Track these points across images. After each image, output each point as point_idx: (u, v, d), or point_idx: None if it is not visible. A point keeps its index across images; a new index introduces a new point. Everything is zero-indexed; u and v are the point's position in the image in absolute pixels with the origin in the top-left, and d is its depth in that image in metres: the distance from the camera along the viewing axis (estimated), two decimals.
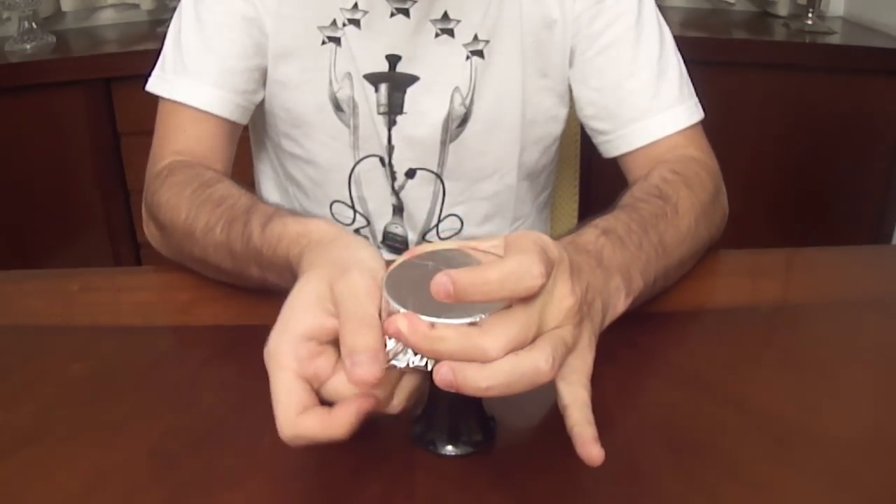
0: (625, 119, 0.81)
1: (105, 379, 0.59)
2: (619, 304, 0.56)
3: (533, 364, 0.43)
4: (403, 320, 0.43)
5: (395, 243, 0.92)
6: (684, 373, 0.60)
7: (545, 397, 0.56)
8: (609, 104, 0.82)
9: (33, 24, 1.70)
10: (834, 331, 0.66)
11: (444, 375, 0.42)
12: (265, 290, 0.63)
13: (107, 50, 1.75)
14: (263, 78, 0.84)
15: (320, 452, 0.51)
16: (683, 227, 0.67)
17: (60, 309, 0.68)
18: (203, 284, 0.68)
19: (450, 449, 0.50)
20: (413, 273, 0.46)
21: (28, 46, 1.68)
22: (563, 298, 0.46)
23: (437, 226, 0.91)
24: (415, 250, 0.49)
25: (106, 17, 1.91)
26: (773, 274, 0.76)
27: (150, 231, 0.78)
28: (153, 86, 0.82)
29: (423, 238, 0.92)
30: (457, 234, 0.92)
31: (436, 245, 0.49)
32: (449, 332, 0.42)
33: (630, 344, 0.61)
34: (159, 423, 0.53)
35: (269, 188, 0.98)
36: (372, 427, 0.53)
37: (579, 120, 0.89)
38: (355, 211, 0.91)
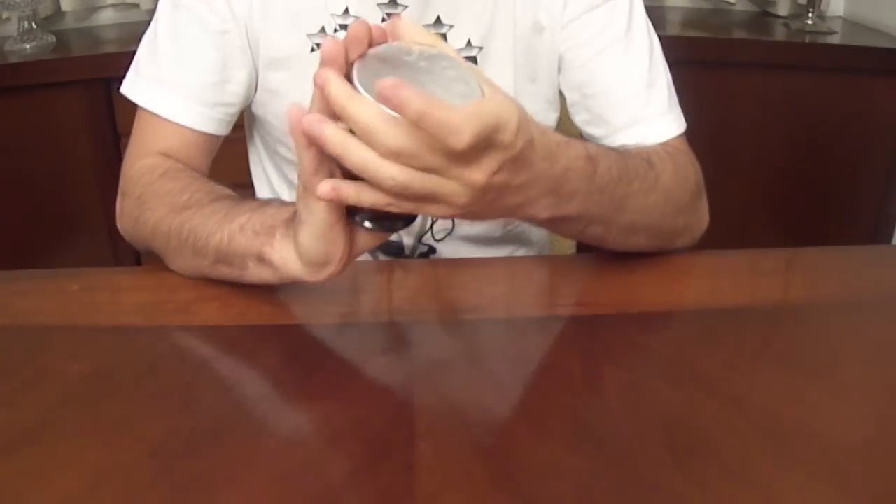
0: (617, 126, 0.81)
1: (105, 379, 0.59)
2: (540, 215, 0.59)
3: (382, 174, 0.48)
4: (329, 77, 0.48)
5: (390, 248, 0.92)
6: (684, 373, 0.60)
7: (546, 398, 0.56)
8: (602, 112, 0.82)
9: (33, 24, 1.70)
10: (834, 331, 0.66)
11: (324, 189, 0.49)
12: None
13: (107, 50, 1.74)
14: (243, 89, 0.83)
15: (320, 452, 0.52)
16: (652, 199, 0.69)
17: (60, 309, 0.68)
18: (203, 284, 0.68)
19: (368, 224, 0.54)
20: (389, 62, 0.50)
21: (28, 46, 1.68)
22: (476, 171, 0.49)
23: (431, 227, 0.91)
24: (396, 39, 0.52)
25: (106, 17, 1.91)
26: (773, 274, 0.76)
27: (125, 223, 0.77)
28: (129, 90, 0.81)
29: (418, 241, 0.92)
30: (449, 234, 0.92)
31: (420, 42, 0.51)
32: (366, 106, 0.47)
33: (630, 344, 0.61)
34: (159, 423, 0.53)
35: (264, 194, 0.98)
36: (372, 427, 0.53)
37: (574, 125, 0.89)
38: None
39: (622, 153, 0.68)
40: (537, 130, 0.54)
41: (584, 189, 0.61)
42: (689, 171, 0.76)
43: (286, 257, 0.59)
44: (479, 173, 0.49)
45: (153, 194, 0.73)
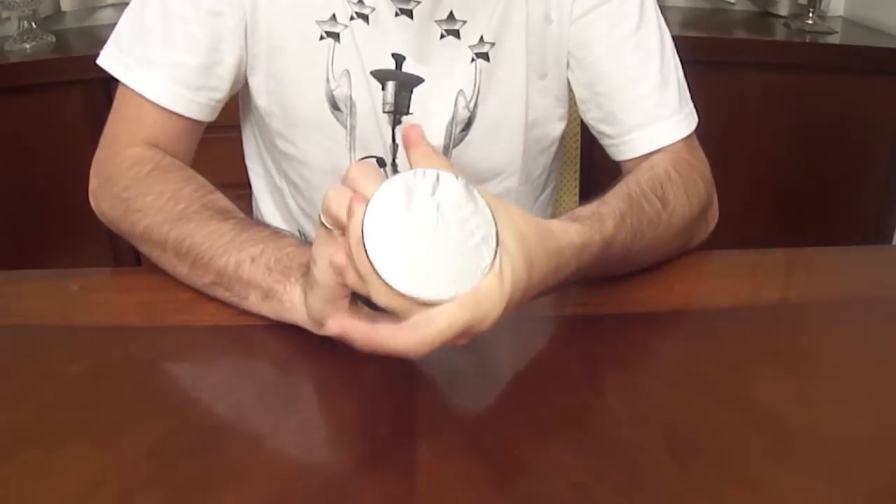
0: (629, 126, 0.81)
1: (105, 379, 0.59)
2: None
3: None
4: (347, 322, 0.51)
5: None
6: (685, 373, 0.60)
7: (546, 398, 0.56)
8: (614, 110, 0.81)
9: (33, 23, 1.70)
10: (834, 331, 0.66)
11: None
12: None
13: None
14: (230, 75, 0.81)
15: (320, 452, 0.52)
16: (662, 239, 0.70)
17: (60, 309, 0.68)
18: None
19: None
20: (409, 200, 0.47)
21: (28, 46, 1.68)
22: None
23: None
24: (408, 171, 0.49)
25: (106, 16, 1.92)
26: (773, 274, 0.76)
27: (104, 207, 0.77)
28: (111, 66, 0.79)
29: None
30: None
31: (439, 167, 0.49)
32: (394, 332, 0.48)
33: (630, 344, 0.61)
34: (159, 423, 0.53)
35: (260, 187, 0.97)
36: (372, 427, 0.53)
37: (580, 119, 0.89)
38: None
39: (639, 205, 0.68)
40: (542, 265, 0.53)
41: (592, 270, 0.62)
42: (699, 184, 0.77)
43: (296, 303, 0.60)
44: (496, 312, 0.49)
45: (141, 193, 0.72)
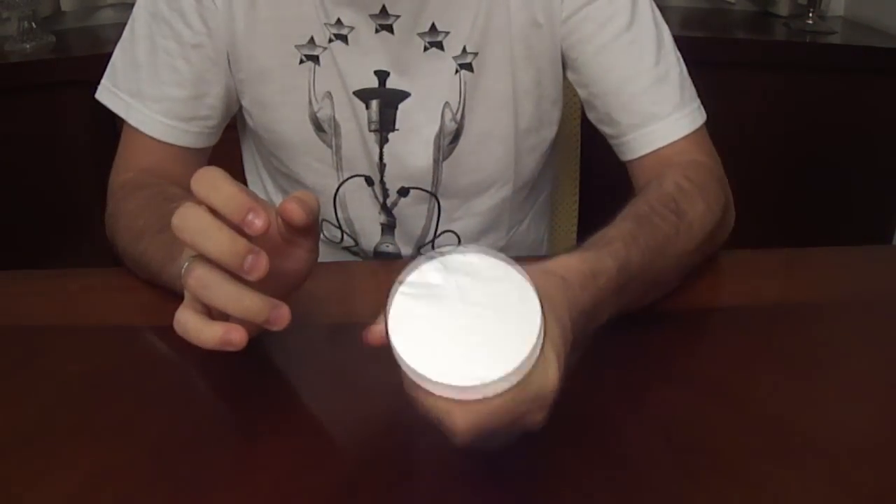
0: (626, 126, 0.79)
1: (105, 379, 0.59)
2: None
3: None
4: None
5: (388, 259, 0.91)
6: (684, 373, 0.60)
7: None
8: (610, 111, 0.80)
9: (33, 23, 1.70)
10: (834, 331, 0.66)
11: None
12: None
13: (107, 50, 1.72)
14: (220, 103, 0.82)
15: (320, 452, 0.52)
16: (686, 250, 0.66)
17: (60, 309, 0.68)
18: None
19: None
20: (429, 297, 0.42)
21: (28, 46, 1.67)
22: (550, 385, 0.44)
23: (432, 241, 0.90)
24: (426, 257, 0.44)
25: (106, 17, 1.91)
26: (773, 274, 0.76)
27: (107, 233, 0.79)
28: (108, 99, 0.83)
29: (418, 251, 0.90)
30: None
31: (458, 249, 0.44)
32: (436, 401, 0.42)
33: (630, 344, 0.61)
34: (159, 423, 0.53)
35: (258, 194, 0.97)
36: (372, 426, 0.53)
37: (580, 119, 0.89)
38: (343, 231, 0.90)
39: (650, 222, 0.64)
40: (561, 307, 0.48)
41: (622, 299, 0.58)
42: (715, 186, 0.74)
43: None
44: (552, 387, 0.44)
45: (120, 214, 0.75)
